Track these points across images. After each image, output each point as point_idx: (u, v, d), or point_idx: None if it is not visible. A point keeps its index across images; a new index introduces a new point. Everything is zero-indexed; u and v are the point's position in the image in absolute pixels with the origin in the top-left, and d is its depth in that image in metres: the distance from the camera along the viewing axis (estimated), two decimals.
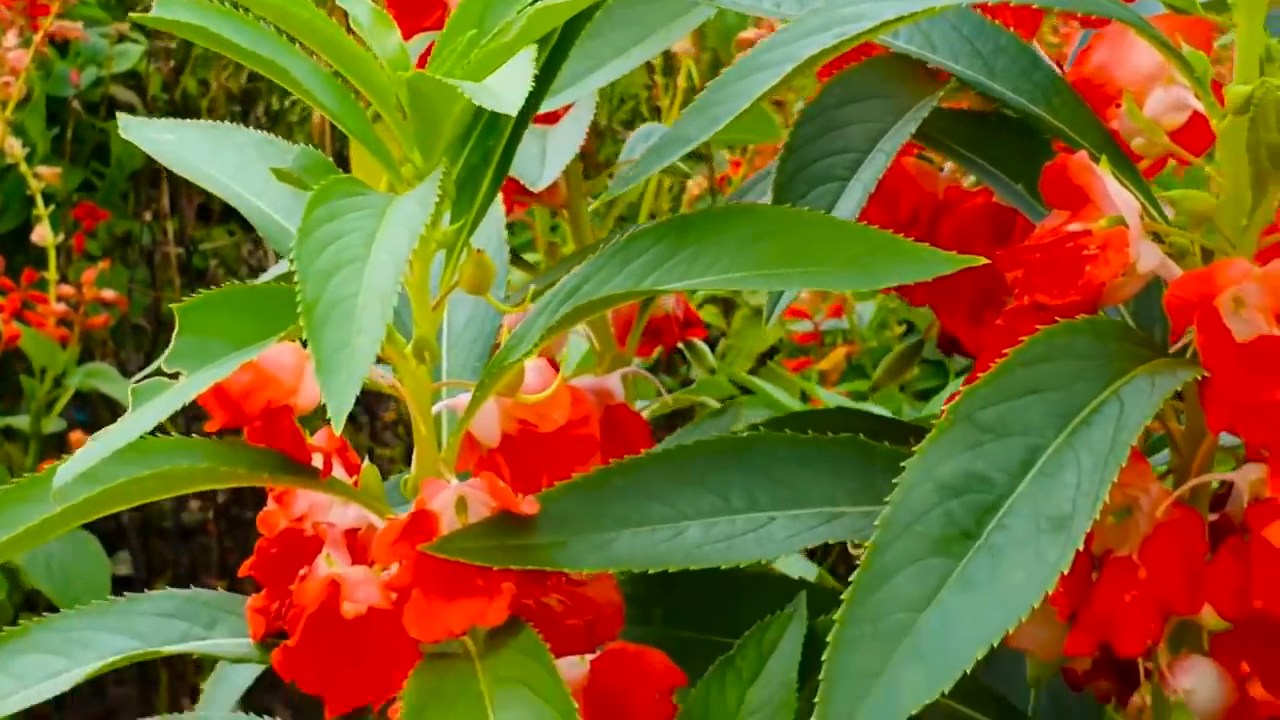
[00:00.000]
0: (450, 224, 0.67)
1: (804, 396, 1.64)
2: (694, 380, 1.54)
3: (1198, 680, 0.68)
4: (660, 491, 0.68)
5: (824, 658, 0.56)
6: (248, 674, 0.91)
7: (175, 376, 0.59)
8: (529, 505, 0.66)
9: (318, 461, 0.70)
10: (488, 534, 0.66)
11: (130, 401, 0.58)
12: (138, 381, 0.60)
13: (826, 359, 1.91)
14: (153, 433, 0.64)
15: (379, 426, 2.67)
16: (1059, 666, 0.76)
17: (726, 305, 2.15)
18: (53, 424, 2.02)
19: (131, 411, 0.57)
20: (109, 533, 2.65)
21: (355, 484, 0.71)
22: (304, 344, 0.59)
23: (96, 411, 2.40)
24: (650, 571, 0.87)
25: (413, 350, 0.67)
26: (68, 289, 1.95)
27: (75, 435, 1.98)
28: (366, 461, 0.71)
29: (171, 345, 0.59)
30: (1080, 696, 0.83)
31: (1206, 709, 0.68)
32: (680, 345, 1.08)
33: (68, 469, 0.56)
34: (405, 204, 0.59)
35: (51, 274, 1.92)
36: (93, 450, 0.56)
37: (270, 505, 0.73)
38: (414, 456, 0.71)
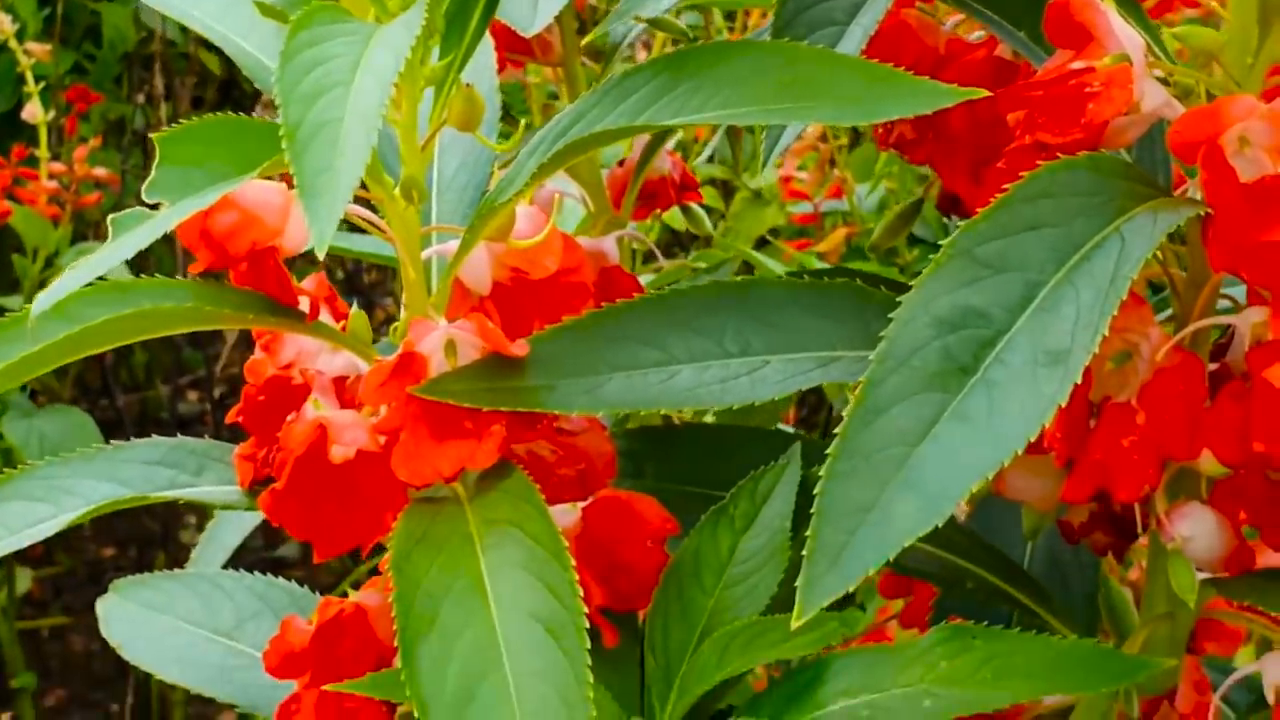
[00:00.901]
0: (439, 60, 0.65)
1: None
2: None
3: (1195, 527, 0.67)
4: (652, 335, 0.67)
5: (816, 491, 0.55)
6: (238, 534, 0.91)
7: (156, 208, 0.58)
8: (519, 348, 0.65)
9: (305, 308, 0.69)
10: (477, 376, 0.65)
11: (109, 232, 0.56)
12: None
13: (826, 240, 1.89)
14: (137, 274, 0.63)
15: (374, 322, 2.67)
16: (1055, 518, 0.75)
17: (726, 188, 2.13)
18: None
19: (111, 241, 0.56)
20: (107, 423, 2.65)
21: (343, 330, 0.70)
22: (290, 184, 0.58)
23: None
24: (643, 414, 0.87)
25: (400, 190, 0.66)
26: (59, 166, 1.93)
27: None
28: (354, 306, 0.70)
29: (151, 175, 0.57)
30: (1076, 550, 0.82)
31: (1204, 556, 0.67)
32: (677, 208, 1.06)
33: (44, 299, 0.55)
34: (391, 30, 0.57)
35: (43, 151, 1.90)
36: (70, 280, 0.55)
37: (258, 354, 0.72)
38: (402, 303, 0.69)
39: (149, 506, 3.05)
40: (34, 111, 1.87)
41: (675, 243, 2.12)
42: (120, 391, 2.77)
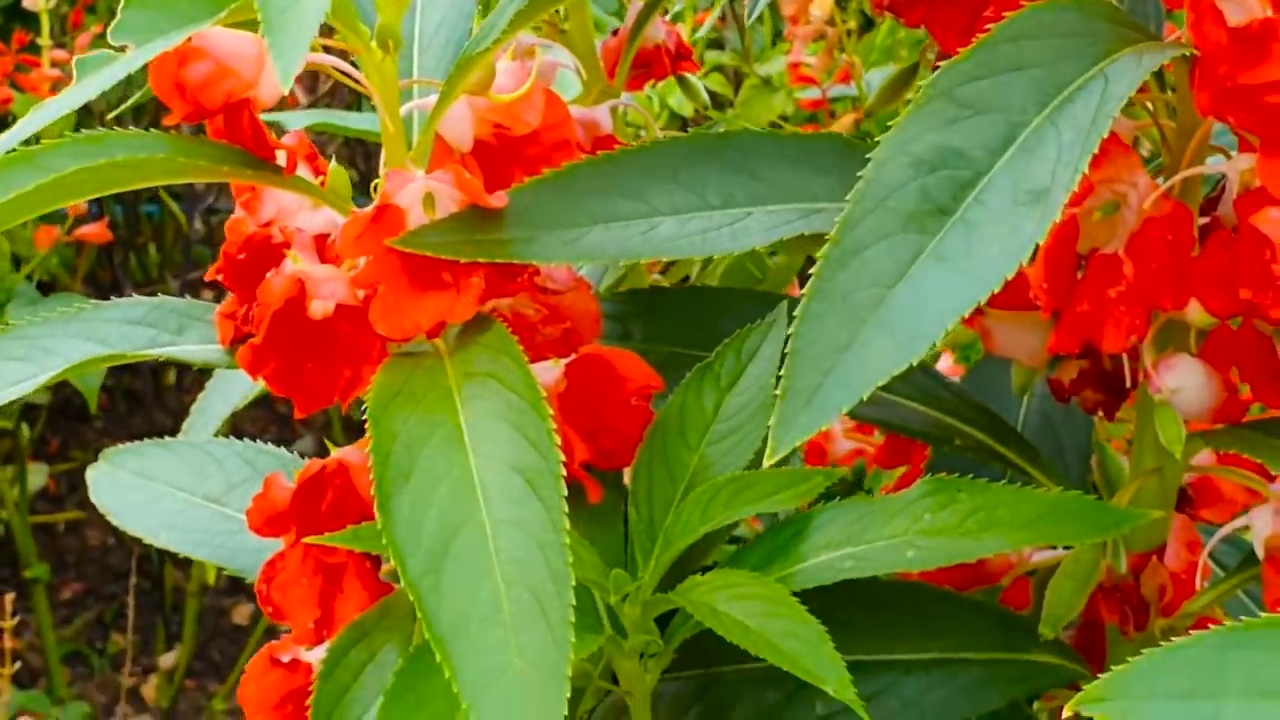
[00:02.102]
0: None
1: None
2: None
3: (1183, 378, 0.66)
4: (633, 188, 0.66)
5: (790, 332, 0.54)
6: (228, 404, 0.91)
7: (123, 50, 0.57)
8: (497, 199, 0.64)
9: (283, 163, 0.68)
10: (455, 228, 0.64)
11: (74, 74, 0.56)
12: None
13: (835, 125, 1.88)
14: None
15: None
16: (1044, 376, 0.74)
17: (735, 76, 2.11)
18: None
19: (76, 82, 0.55)
20: None
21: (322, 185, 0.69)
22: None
23: None
24: (624, 275, 0.86)
25: (376, 40, 0.65)
26: (61, 54, 1.92)
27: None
28: (333, 163, 0.69)
29: (118, 18, 0.56)
30: (1067, 410, 0.82)
31: (1192, 408, 0.67)
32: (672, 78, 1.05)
33: (5, 139, 0.54)
34: None
35: (44, 39, 1.89)
36: (34, 119, 0.54)
37: (238, 212, 0.71)
38: (382, 159, 0.69)
39: (164, 403, 3.05)
40: (35, 0, 1.85)
41: (681, 129, 2.11)
42: (131, 288, 2.77)
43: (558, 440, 0.59)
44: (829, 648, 0.60)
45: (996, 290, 0.54)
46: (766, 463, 0.53)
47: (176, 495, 0.82)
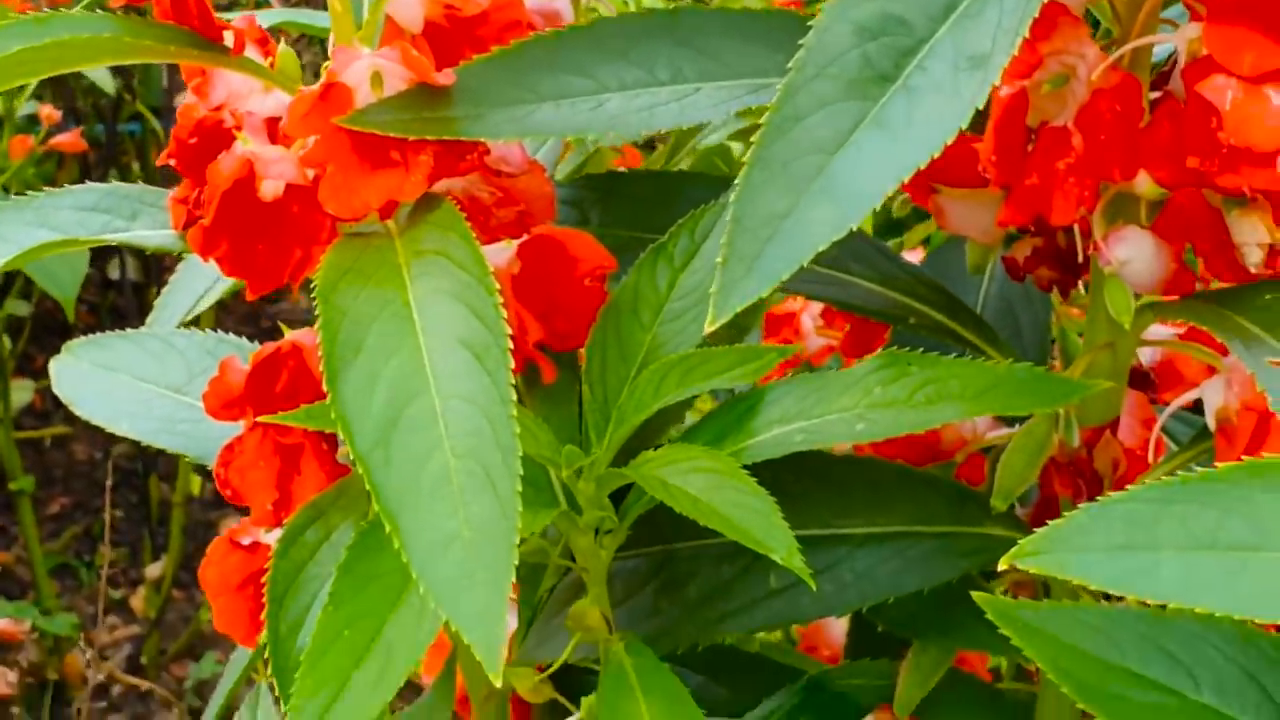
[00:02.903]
0: None
1: None
2: None
3: (1132, 250, 0.67)
4: (582, 64, 0.66)
5: (731, 199, 0.54)
6: (191, 296, 0.91)
7: None
8: (444, 77, 0.64)
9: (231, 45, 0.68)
10: (403, 106, 0.64)
11: None
12: None
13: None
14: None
15: None
16: (998, 254, 0.75)
17: None
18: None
19: None
20: None
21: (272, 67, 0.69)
22: None
23: None
24: (584, 163, 0.86)
25: None
26: None
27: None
28: (282, 44, 0.69)
29: None
30: (1025, 292, 0.82)
31: (1141, 280, 0.67)
32: None
33: None
34: None
35: None
36: None
37: (189, 97, 0.71)
38: (330, 39, 0.68)
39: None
40: None
41: None
42: None
43: (504, 315, 0.59)
44: (778, 518, 0.61)
45: (936, 155, 0.54)
46: (707, 329, 0.53)
47: (139, 385, 0.82)
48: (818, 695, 0.75)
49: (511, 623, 0.79)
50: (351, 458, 0.57)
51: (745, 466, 0.64)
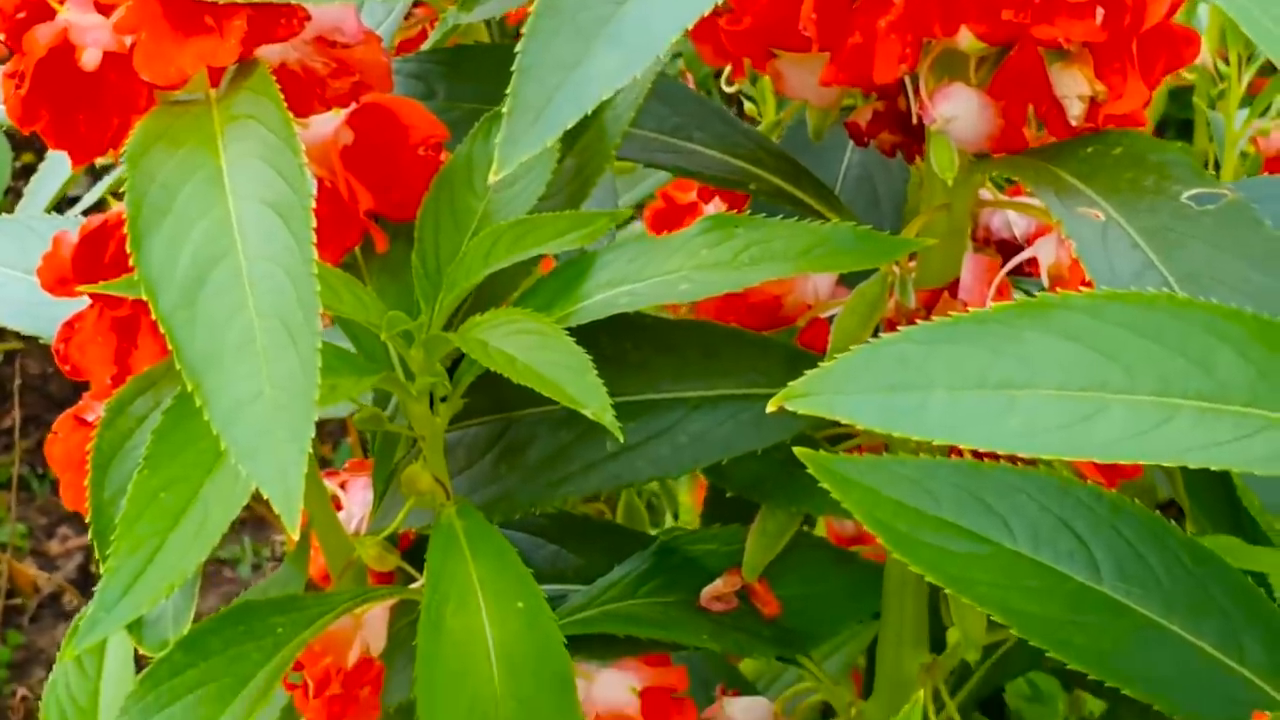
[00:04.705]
0: None
1: None
2: None
3: (957, 106, 0.66)
4: None
5: (516, 50, 0.54)
6: (58, 180, 0.91)
7: None
8: None
9: None
10: None
11: None
12: None
13: None
14: None
15: None
16: (838, 118, 0.74)
17: None
18: None
19: None
20: None
21: None
22: None
23: None
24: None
25: None
26: None
27: None
28: None
29: None
30: (885, 163, 0.82)
31: (967, 136, 0.67)
32: None
33: None
34: None
35: None
36: None
37: None
38: None
39: None
40: None
41: None
42: None
43: (309, 175, 0.59)
44: (592, 376, 0.61)
45: (720, 3, 0.54)
46: (491, 179, 0.53)
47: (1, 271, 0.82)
48: (667, 559, 0.76)
49: (367, 496, 0.80)
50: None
51: (579, 331, 0.64)
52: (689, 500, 1.17)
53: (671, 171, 0.76)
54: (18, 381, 2.41)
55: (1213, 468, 0.47)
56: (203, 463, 0.60)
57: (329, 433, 2.16)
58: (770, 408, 0.50)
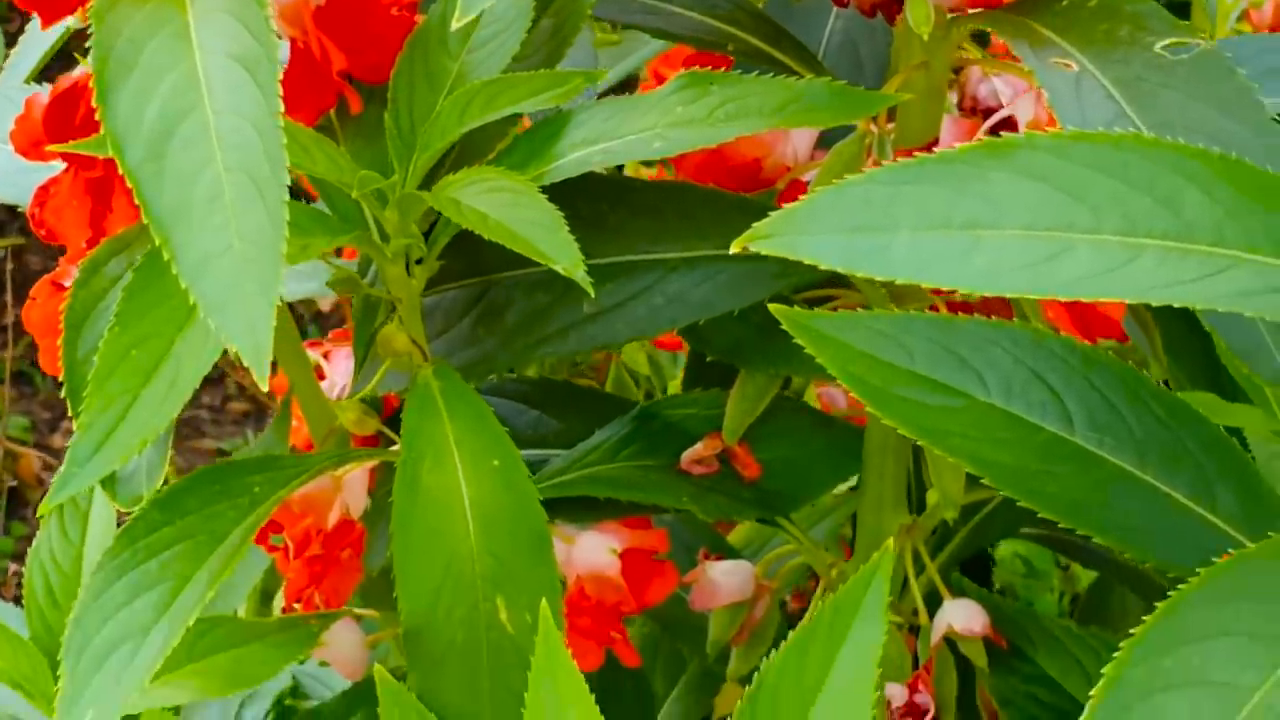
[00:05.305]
0: None
1: None
2: None
3: None
4: None
5: None
6: (37, 54, 0.90)
7: None
8: None
9: None
10: None
11: None
12: None
13: None
14: None
15: None
16: None
17: None
18: None
19: None
20: None
21: None
22: None
23: None
24: None
25: None
26: None
27: None
28: None
29: None
30: (870, 28, 0.81)
31: None
32: None
33: None
34: None
35: None
36: None
37: None
38: None
39: None
40: None
41: None
42: None
43: (274, 28, 0.58)
44: (564, 233, 0.61)
45: None
46: (454, 26, 0.53)
47: None
48: (648, 424, 0.76)
49: (349, 366, 0.80)
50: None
51: (557, 195, 0.63)
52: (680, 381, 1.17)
53: (649, 33, 0.75)
54: (10, 266, 2.39)
55: (1175, 305, 0.47)
56: (174, 319, 0.60)
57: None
58: (734, 249, 0.50)
